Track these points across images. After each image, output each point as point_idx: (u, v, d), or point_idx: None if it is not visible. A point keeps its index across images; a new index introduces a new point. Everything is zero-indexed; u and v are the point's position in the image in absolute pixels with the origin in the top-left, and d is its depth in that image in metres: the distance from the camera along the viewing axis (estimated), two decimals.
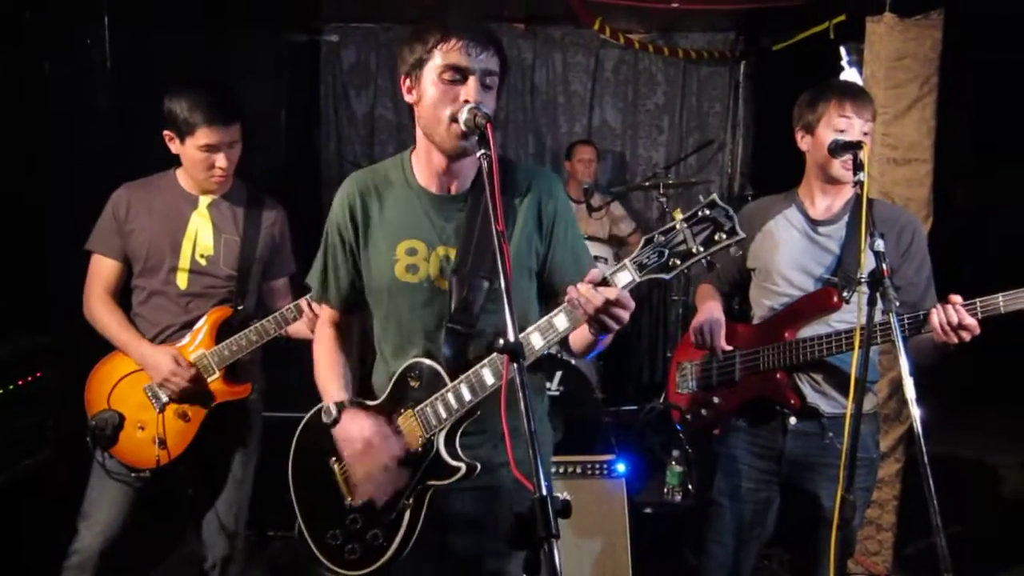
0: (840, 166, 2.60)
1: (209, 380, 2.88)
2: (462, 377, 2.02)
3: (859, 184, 2.38)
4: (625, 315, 1.80)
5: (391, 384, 2.13)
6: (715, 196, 1.76)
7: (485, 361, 2.00)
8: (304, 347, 2.45)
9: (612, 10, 5.50)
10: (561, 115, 6.55)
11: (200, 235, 2.91)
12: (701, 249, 1.75)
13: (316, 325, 2.39)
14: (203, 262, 2.90)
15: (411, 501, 2.07)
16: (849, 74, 4.20)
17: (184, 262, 2.88)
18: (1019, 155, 6.21)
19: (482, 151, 1.78)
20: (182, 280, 2.89)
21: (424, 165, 2.12)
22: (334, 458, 2.19)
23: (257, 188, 3.08)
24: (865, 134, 2.60)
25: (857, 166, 2.41)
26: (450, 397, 2.03)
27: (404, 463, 2.07)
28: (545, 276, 2.17)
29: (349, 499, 2.15)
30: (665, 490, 4.45)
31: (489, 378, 1.98)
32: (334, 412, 2.12)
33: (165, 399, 2.85)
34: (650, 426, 5.09)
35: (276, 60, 5.85)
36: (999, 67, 5.85)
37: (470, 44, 1.91)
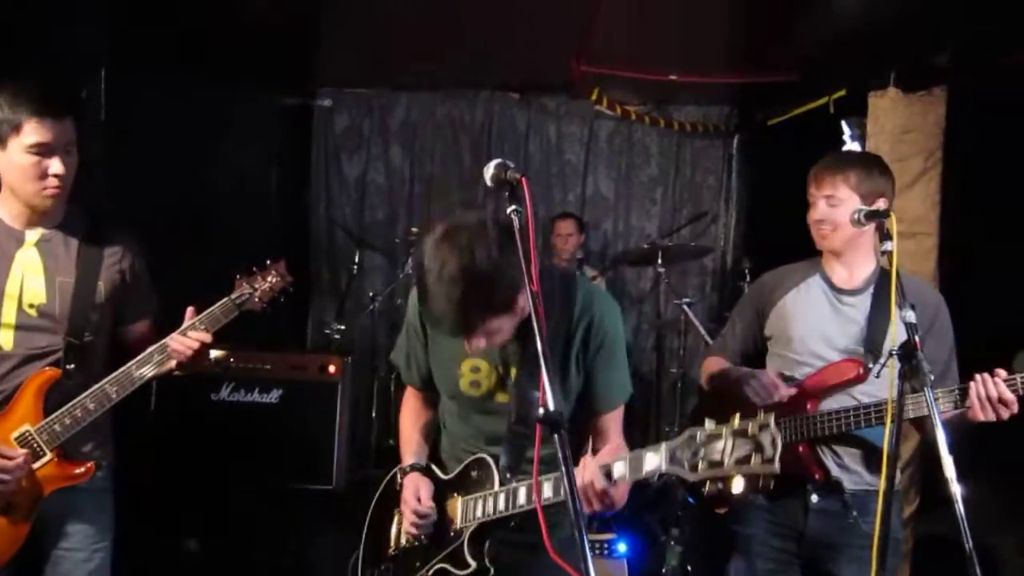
0: (815, 232, 2.64)
1: (38, 465, 2.32)
2: (503, 488, 2.09)
3: (887, 254, 2.32)
4: (599, 507, 1.84)
5: (461, 467, 2.24)
6: (771, 420, 1.65)
7: (526, 481, 2.03)
8: None
9: (610, 81, 5.53)
10: (554, 185, 6.53)
11: (28, 280, 2.33)
12: (732, 466, 1.66)
13: (404, 395, 2.47)
14: (33, 314, 2.33)
15: (427, 571, 2.19)
16: (852, 148, 4.21)
17: (9, 316, 2.31)
18: None
19: (513, 207, 1.68)
20: (6, 339, 2.32)
21: None
22: (397, 508, 2.32)
23: (95, 212, 2.53)
24: (833, 207, 2.59)
25: (884, 235, 2.35)
26: (489, 500, 2.10)
27: (437, 539, 2.19)
28: (584, 392, 2.18)
29: (392, 548, 2.32)
30: (664, 570, 4.27)
31: (521, 499, 2.03)
32: (398, 476, 2.31)
33: None
34: (646, 504, 4.93)
35: (269, 122, 5.85)
36: None
37: None
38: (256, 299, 2.50)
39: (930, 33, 3.77)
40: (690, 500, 2.99)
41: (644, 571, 4.33)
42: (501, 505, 2.06)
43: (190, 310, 2.43)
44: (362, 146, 6.49)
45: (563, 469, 1.37)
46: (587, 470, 1.83)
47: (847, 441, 2.57)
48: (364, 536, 2.48)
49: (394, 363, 2.43)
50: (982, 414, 2.29)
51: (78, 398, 2.35)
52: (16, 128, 2.20)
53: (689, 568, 4.25)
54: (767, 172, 6.05)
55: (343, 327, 5.00)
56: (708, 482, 2.76)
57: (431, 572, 2.18)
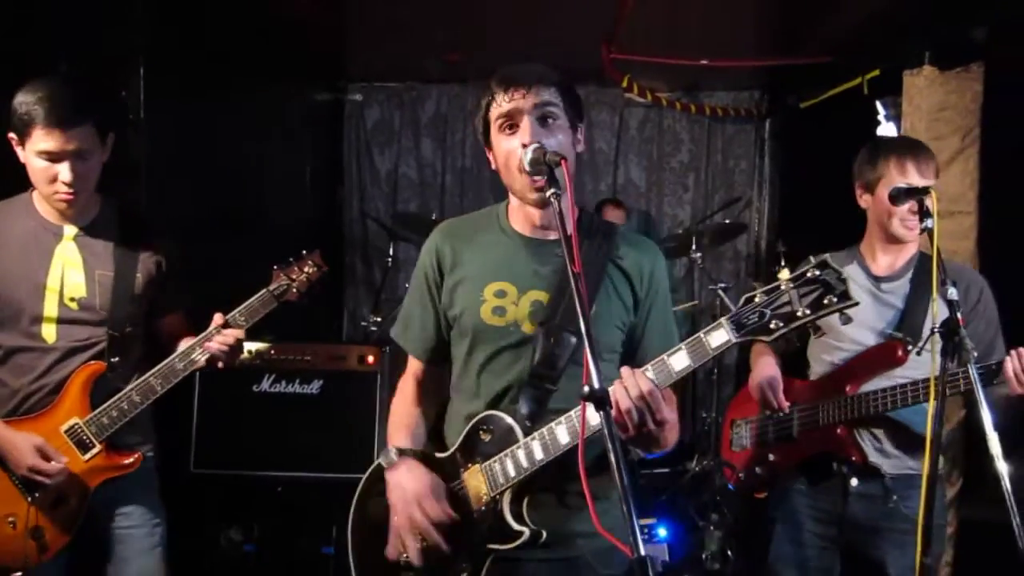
0: (900, 224, 2.55)
1: (87, 457, 2.40)
2: (535, 434, 1.86)
3: (927, 232, 2.30)
4: (648, 419, 1.63)
5: (463, 435, 1.98)
6: (827, 257, 1.63)
7: (561, 419, 1.84)
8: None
9: (640, 67, 5.49)
10: (586, 173, 6.52)
11: (68, 274, 2.39)
12: (808, 312, 1.61)
13: (400, 380, 2.22)
14: (74, 307, 2.38)
15: (469, 566, 1.91)
16: (887, 128, 4.18)
17: (51, 309, 2.36)
18: None
19: (552, 190, 1.68)
20: (49, 332, 2.37)
21: (519, 214, 2.03)
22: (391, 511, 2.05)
23: (129, 207, 2.61)
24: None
25: (924, 213, 2.33)
26: (520, 455, 1.87)
27: (464, 522, 1.93)
28: (635, 341, 2.02)
29: (404, 554, 1.96)
30: (704, 556, 4.27)
31: (564, 437, 1.82)
32: (393, 456, 2.01)
33: (36, 487, 2.35)
34: (683, 489, 4.93)
35: (302, 118, 5.90)
36: None
37: (512, 89, 1.86)
38: (294, 289, 2.55)
39: (966, 8, 3.71)
40: (729, 487, 2.99)
41: (684, 555, 4.34)
42: (539, 454, 1.84)
43: (218, 315, 2.48)
44: (393, 139, 6.52)
45: (609, 446, 1.33)
46: (627, 377, 1.65)
47: (887, 425, 2.57)
48: (352, 555, 2.13)
49: (393, 337, 2.21)
50: (1020, 387, 2.28)
51: (124, 391, 2.41)
52: (28, 132, 2.24)
53: (729, 553, 4.25)
54: (799, 155, 6.00)
55: (379, 319, 5.02)
56: (748, 470, 2.80)
57: (472, 563, 1.92)
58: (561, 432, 1.83)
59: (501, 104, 1.87)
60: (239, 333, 2.46)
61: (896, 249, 2.64)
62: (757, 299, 1.67)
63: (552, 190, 1.68)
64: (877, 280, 2.65)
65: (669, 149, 6.55)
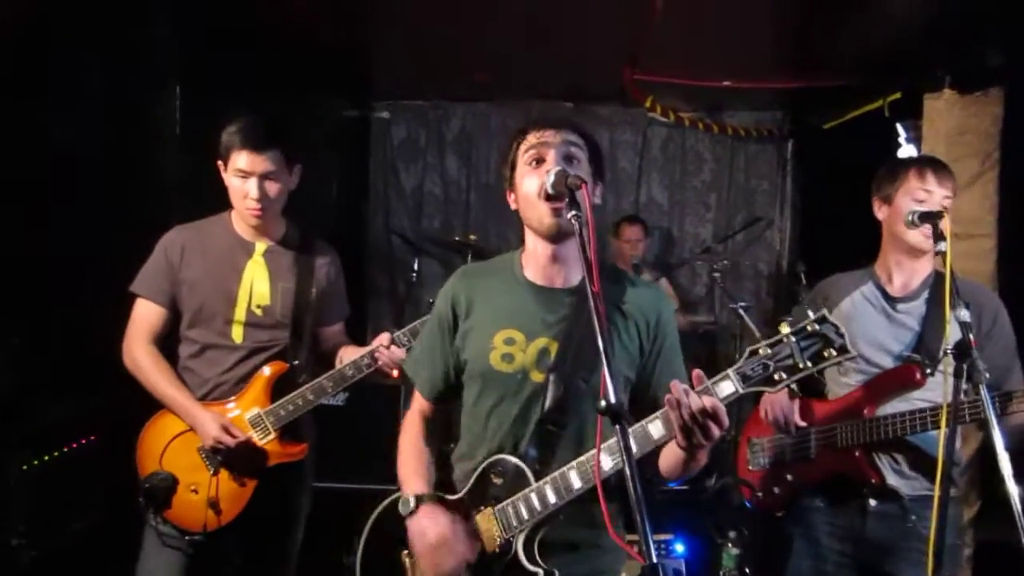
0: (919, 234, 2.55)
1: (264, 441, 2.75)
2: (548, 478, 1.94)
3: (941, 255, 2.34)
4: (716, 431, 1.67)
5: (472, 479, 2.05)
6: (824, 312, 1.71)
7: (573, 464, 1.91)
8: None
9: (663, 88, 5.56)
10: (609, 192, 6.55)
11: (256, 284, 2.77)
12: (809, 364, 1.68)
13: (406, 417, 2.31)
14: (259, 313, 2.76)
15: None
16: (907, 150, 4.21)
17: (240, 314, 2.75)
18: None
19: (572, 212, 1.76)
20: (237, 333, 2.76)
21: (532, 259, 2.09)
22: (406, 551, 2.10)
23: (307, 230, 2.97)
24: (945, 208, 2.56)
25: (938, 236, 2.37)
26: (533, 498, 1.94)
27: (480, 564, 1.99)
28: (641, 389, 2.07)
29: None
30: (721, 573, 4.28)
31: (576, 482, 1.90)
32: (412, 504, 2.04)
33: (219, 461, 2.72)
34: (702, 506, 4.94)
35: (329, 136, 5.99)
36: None
37: (542, 128, 2.00)
38: None
39: (986, 33, 3.74)
40: (747, 505, 3.01)
41: (702, 571, 4.35)
42: (552, 498, 1.91)
43: (385, 334, 2.79)
44: (419, 157, 6.60)
45: (624, 458, 1.40)
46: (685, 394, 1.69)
47: (905, 448, 2.58)
48: None
49: (404, 369, 2.32)
50: None
51: (300, 389, 2.76)
52: (228, 154, 2.66)
53: (747, 570, 4.25)
54: (821, 176, 6.02)
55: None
56: (766, 488, 2.83)
57: None
58: (573, 477, 1.90)
59: (530, 141, 1.99)
60: (403, 353, 2.75)
61: (911, 267, 2.66)
62: (761, 352, 1.74)
63: (572, 212, 1.76)
64: (893, 301, 2.66)
65: (692, 168, 6.60)
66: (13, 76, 3.11)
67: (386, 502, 2.21)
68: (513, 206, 2.07)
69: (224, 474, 2.73)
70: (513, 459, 2.00)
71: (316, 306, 2.86)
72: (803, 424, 2.74)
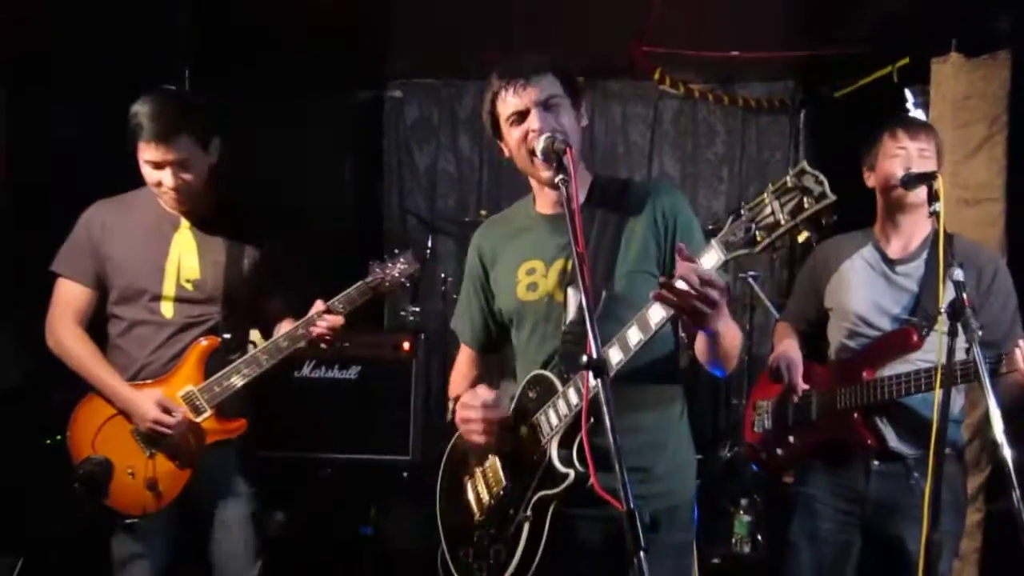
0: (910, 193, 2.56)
1: (200, 419, 2.65)
2: (570, 382, 1.99)
3: (935, 215, 2.35)
4: (714, 294, 1.67)
5: (516, 397, 2.15)
6: (804, 164, 1.64)
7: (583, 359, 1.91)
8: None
9: (672, 60, 5.55)
10: (621, 166, 6.56)
11: (184, 258, 2.68)
12: (788, 219, 1.62)
13: (457, 359, 2.46)
14: (189, 288, 2.67)
15: (529, 514, 2.02)
16: (915, 116, 4.17)
17: (169, 289, 2.66)
18: None
19: (560, 176, 1.81)
20: (167, 309, 2.66)
21: (541, 196, 2.22)
22: (467, 476, 2.24)
23: (239, 200, 2.86)
24: (926, 158, 2.57)
25: (932, 196, 2.38)
26: (560, 403, 2.00)
27: (522, 475, 2.07)
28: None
29: (478, 515, 2.16)
30: (733, 540, 4.33)
31: (592, 379, 1.87)
32: (451, 406, 2.22)
33: (154, 442, 2.63)
34: (714, 474, 4.98)
35: (342, 115, 6.03)
36: None
37: (514, 84, 2.02)
38: (387, 283, 2.85)
39: None
40: (754, 467, 3.05)
41: (714, 540, 4.40)
42: (574, 398, 1.95)
43: (319, 302, 2.72)
44: (432, 136, 6.61)
45: (605, 411, 1.45)
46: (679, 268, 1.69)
47: (905, 410, 2.59)
48: (441, 523, 2.33)
49: (452, 328, 2.46)
50: None
51: (234, 363, 2.67)
52: (135, 143, 2.54)
53: (759, 537, 4.30)
54: (832, 146, 5.97)
55: (418, 309, 5.18)
56: (770, 450, 2.86)
57: (532, 512, 2.02)
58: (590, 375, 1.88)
59: (506, 100, 2.03)
60: (339, 320, 2.71)
61: (908, 229, 2.68)
62: (743, 215, 1.72)
63: (560, 176, 1.82)
64: (892, 263, 2.68)
65: (704, 141, 6.56)
66: (13, 76, 3.16)
67: (453, 439, 2.31)
68: (507, 154, 2.15)
69: (160, 455, 2.65)
70: (543, 371, 2.09)
71: (250, 279, 2.76)
72: (805, 387, 2.76)
